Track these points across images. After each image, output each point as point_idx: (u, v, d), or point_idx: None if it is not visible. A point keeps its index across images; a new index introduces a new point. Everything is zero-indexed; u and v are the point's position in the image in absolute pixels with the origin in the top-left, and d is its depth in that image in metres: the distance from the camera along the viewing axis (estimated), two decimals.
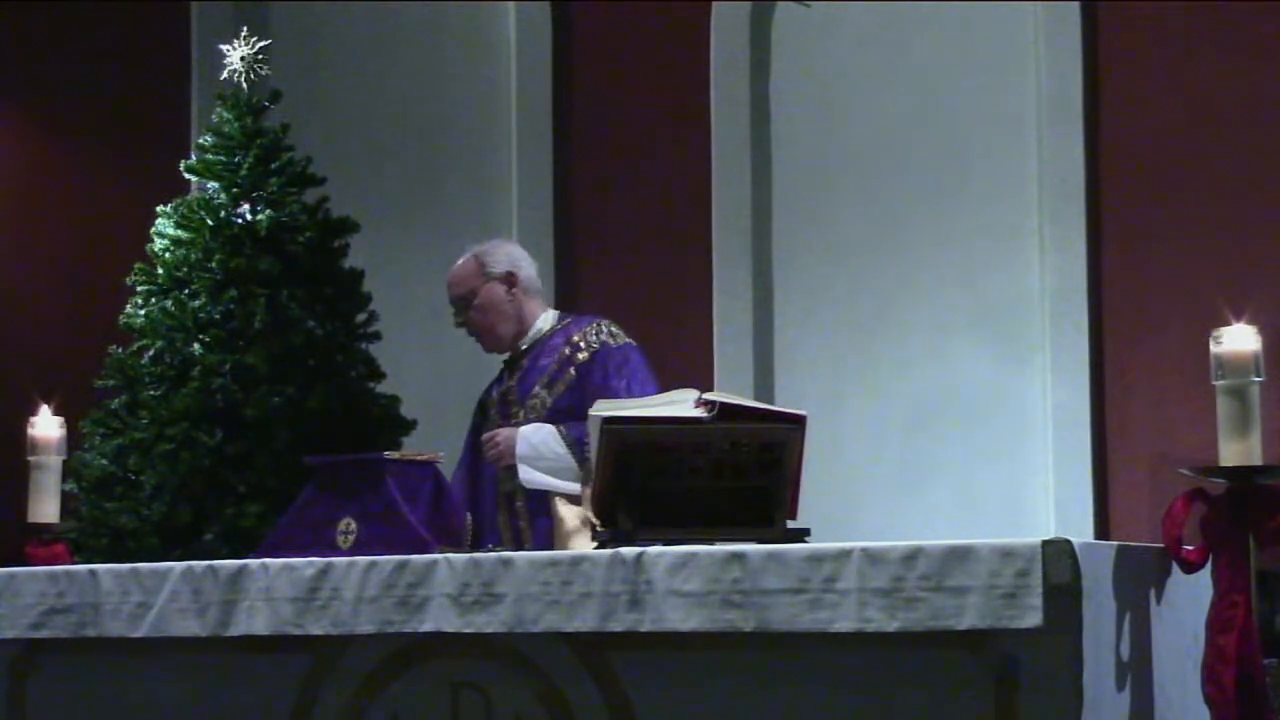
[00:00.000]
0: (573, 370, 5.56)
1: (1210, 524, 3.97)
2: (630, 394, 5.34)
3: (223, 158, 6.31)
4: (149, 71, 7.70)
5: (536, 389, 5.63)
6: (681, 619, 3.93)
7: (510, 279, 5.68)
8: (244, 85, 6.25)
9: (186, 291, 6.17)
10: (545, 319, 5.72)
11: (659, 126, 7.73)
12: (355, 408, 6.19)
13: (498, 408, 5.74)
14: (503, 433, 5.55)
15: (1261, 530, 3.96)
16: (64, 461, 5.53)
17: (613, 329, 5.63)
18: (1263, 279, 6.65)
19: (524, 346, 5.69)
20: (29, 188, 7.66)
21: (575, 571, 4.05)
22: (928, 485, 7.23)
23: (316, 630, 4.31)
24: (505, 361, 5.77)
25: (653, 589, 3.97)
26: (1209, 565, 3.97)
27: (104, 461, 6.05)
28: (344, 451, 5.62)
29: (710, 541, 4.09)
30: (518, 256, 5.79)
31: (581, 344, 5.57)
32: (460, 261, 5.76)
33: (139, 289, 6.26)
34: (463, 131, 7.93)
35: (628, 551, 4.04)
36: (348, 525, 4.59)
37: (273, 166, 6.32)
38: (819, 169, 7.58)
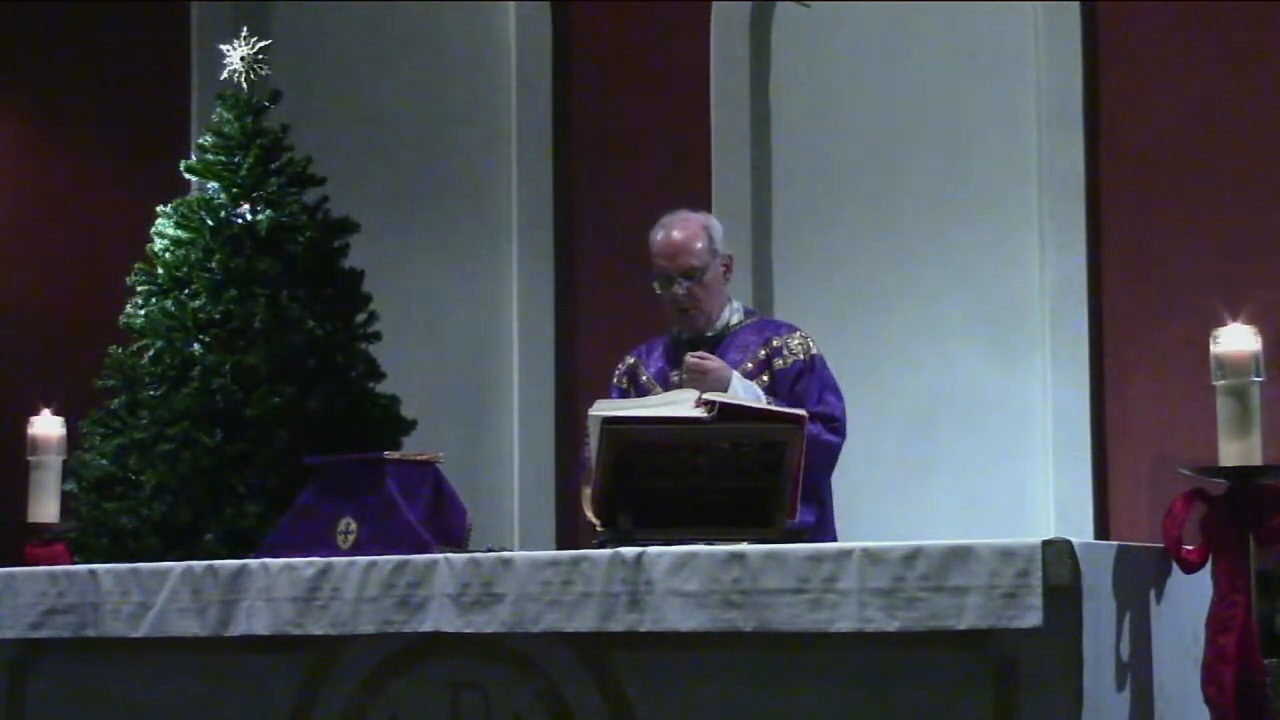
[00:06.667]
0: (767, 376, 5.27)
1: (1210, 524, 3.97)
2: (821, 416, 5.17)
3: (223, 158, 6.32)
4: (149, 71, 7.69)
5: None
6: (681, 619, 3.93)
7: (729, 262, 5.43)
8: (244, 85, 6.25)
9: (186, 291, 6.18)
10: (733, 311, 5.44)
11: (659, 126, 7.73)
12: (355, 408, 6.20)
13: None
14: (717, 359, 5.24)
15: (1261, 530, 3.96)
16: (64, 461, 5.52)
17: (811, 342, 5.36)
18: (1262, 279, 6.65)
19: (709, 334, 5.39)
20: (29, 188, 7.65)
21: (575, 571, 4.05)
22: (928, 485, 7.23)
23: (316, 630, 4.30)
24: (676, 343, 5.42)
25: (653, 589, 3.97)
26: (1209, 565, 3.97)
27: (104, 461, 6.06)
28: (344, 451, 5.62)
29: (710, 541, 4.08)
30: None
31: (784, 350, 5.30)
32: (687, 228, 5.36)
33: (139, 289, 6.26)
34: (463, 131, 7.93)
35: (628, 551, 4.03)
36: (348, 525, 4.59)
37: (273, 166, 6.33)
38: (819, 169, 7.58)
